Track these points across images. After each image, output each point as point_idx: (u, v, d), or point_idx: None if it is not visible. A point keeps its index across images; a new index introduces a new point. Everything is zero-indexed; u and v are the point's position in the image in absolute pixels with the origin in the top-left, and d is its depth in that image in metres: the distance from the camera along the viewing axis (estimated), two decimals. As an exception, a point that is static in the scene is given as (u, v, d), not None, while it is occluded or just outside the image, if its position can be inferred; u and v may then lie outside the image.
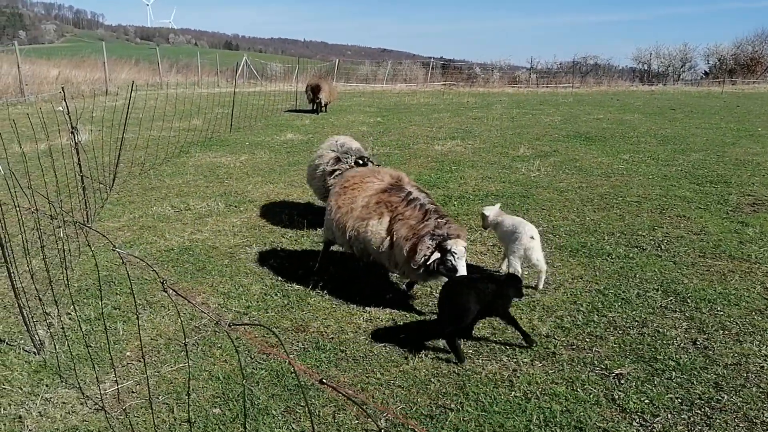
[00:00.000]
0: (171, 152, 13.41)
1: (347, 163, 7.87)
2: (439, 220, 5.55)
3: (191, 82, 36.89)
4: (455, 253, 5.35)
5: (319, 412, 4.23)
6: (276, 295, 6.14)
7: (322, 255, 6.81)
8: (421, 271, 5.49)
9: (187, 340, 5.20)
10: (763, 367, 4.63)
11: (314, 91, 21.24)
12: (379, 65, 51.94)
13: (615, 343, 5.04)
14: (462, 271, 5.38)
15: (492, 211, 6.57)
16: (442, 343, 5.11)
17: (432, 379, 4.60)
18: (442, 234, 5.42)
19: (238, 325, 2.36)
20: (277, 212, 8.91)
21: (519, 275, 5.63)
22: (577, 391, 4.39)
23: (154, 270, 3.23)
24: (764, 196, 9.17)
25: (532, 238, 6.03)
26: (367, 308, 5.78)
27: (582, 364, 4.76)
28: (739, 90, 34.80)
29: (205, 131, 16.14)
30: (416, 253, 5.39)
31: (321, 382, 1.88)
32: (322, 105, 21.67)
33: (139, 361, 4.86)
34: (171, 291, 3.01)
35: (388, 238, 5.68)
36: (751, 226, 7.80)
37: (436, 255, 5.38)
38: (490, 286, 4.98)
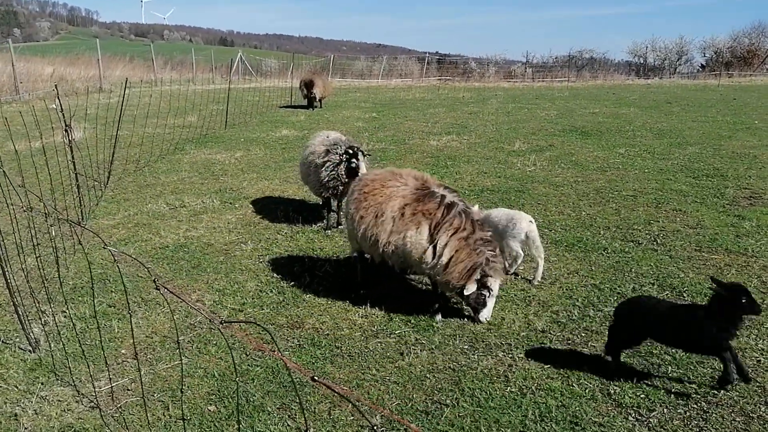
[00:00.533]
0: (166, 149, 13.36)
1: (337, 154, 7.71)
2: (490, 251, 5.32)
3: (186, 78, 36.76)
4: (491, 290, 5.27)
5: (314, 408, 4.22)
6: (271, 291, 6.12)
7: (361, 269, 6.31)
8: (456, 292, 5.40)
9: (181, 338, 5.19)
10: (759, 361, 4.63)
11: (308, 86, 21.22)
12: (374, 60, 51.80)
13: (611, 338, 5.03)
14: (490, 308, 5.35)
15: (475, 212, 6.45)
16: (437, 338, 5.11)
17: (428, 375, 4.59)
18: (490, 269, 5.25)
19: (231, 322, 2.34)
20: (273, 209, 8.89)
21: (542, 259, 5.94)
22: (573, 386, 4.38)
23: (146, 268, 3.22)
24: (761, 189, 9.17)
25: (531, 222, 6.14)
26: (363, 305, 5.76)
27: (578, 358, 4.75)
28: (736, 83, 34.80)
29: (200, 128, 16.08)
30: (467, 280, 5.22)
31: (313, 379, 1.86)
32: (317, 100, 21.62)
33: (134, 359, 4.84)
34: (164, 289, 2.99)
35: (431, 247, 5.34)
36: (747, 219, 7.79)
37: (474, 287, 5.24)
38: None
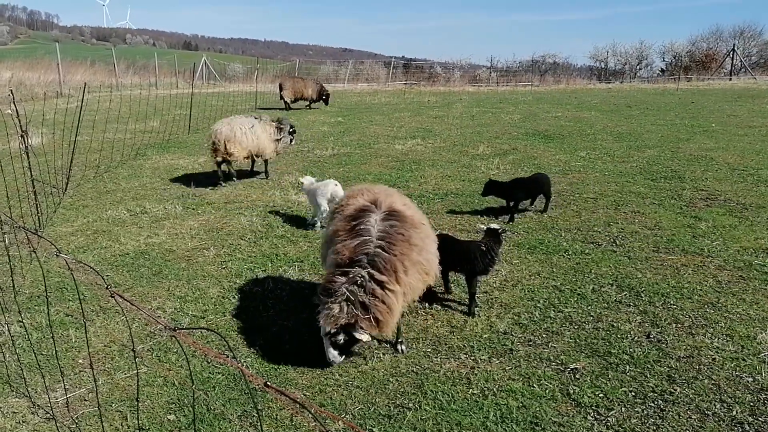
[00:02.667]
0: (127, 155, 13.16)
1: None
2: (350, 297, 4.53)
3: (148, 83, 36.28)
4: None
5: (276, 415, 4.18)
6: (234, 298, 6.06)
7: None
8: None
9: (141, 346, 5.10)
10: (715, 359, 4.73)
11: (280, 88, 23.08)
12: (340, 65, 51.79)
13: (571, 339, 5.10)
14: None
15: (307, 180, 8.37)
16: (401, 345, 5.11)
17: (390, 379, 4.59)
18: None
19: (184, 329, 2.31)
20: (236, 214, 8.81)
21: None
22: (534, 386, 4.43)
23: (101, 276, 3.15)
24: (717, 190, 9.39)
25: (336, 185, 7.95)
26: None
27: (539, 359, 4.81)
28: (694, 86, 35.60)
29: (163, 133, 15.88)
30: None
31: (266, 385, 1.85)
32: (288, 101, 22.96)
33: (91, 369, 4.74)
34: (118, 298, 2.94)
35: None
36: (704, 220, 7.97)
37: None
38: None
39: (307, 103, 23.74)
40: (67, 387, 4.50)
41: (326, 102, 23.65)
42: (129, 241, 7.71)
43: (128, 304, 2.63)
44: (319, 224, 8.00)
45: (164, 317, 5.65)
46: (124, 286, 6.39)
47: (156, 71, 41.23)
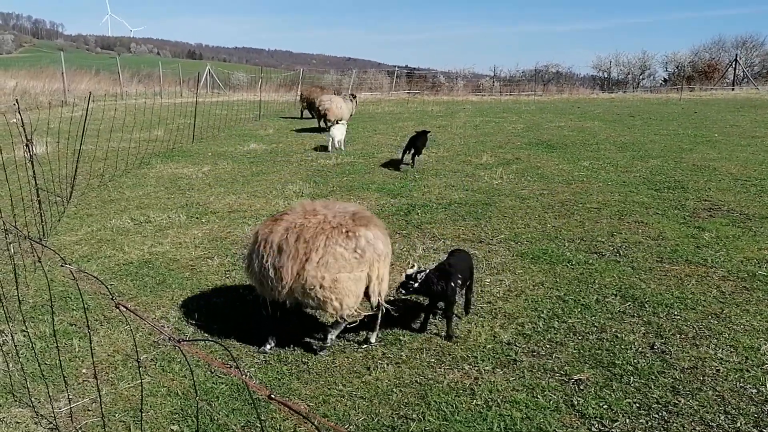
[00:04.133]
0: (131, 163, 13.20)
1: None
2: None
3: (153, 92, 36.42)
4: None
5: (279, 426, 4.18)
6: (238, 307, 6.06)
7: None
8: None
9: (144, 356, 5.11)
10: (719, 370, 4.72)
11: (300, 98, 23.58)
12: (344, 74, 51.97)
13: (575, 349, 5.10)
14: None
15: None
16: (404, 353, 5.12)
17: (394, 390, 4.59)
18: None
19: (191, 341, 2.32)
20: (240, 223, 8.83)
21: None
22: (538, 397, 4.42)
23: (105, 286, 3.17)
24: (720, 201, 9.39)
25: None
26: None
27: (543, 370, 4.80)
28: (697, 96, 35.63)
29: (167, 142, 15.93)
30: None
31: (270, 397, 1.85)
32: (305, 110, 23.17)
33: (95, 379, 4.75)
34: (122, 308, 2.95)
35: None
36: (707, 230, 7.97)
37: None
38: None
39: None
40: (70, 397, 4.51)
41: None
42: (133, 251, 7.73)
43: (132, 314, 2.64)
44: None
45: (168, 327, 5.66)
46: (127, 295, 6.40)
47: (160, 80, 41.41)
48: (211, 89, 43.28)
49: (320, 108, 18.31)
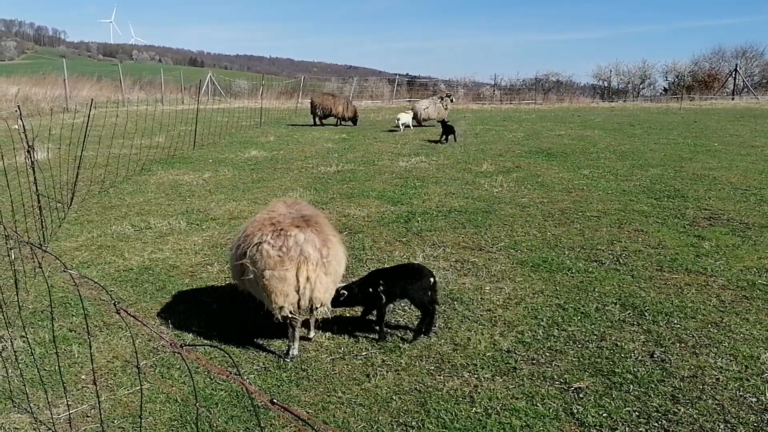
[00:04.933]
0: (132, 170, 13.23)
1: None
2: None
3: (154, 99, 36.50)
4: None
5: (278, 432, 4.17)
6: (237, 314, 6.06)
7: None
8: None
9: (144, 362, 5.11)
10: (719, 379, 4.71)
11: (311, 105, 24.43)
12: (345, 82, 52.14)
13: (574, 357, 5.09)
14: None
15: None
16: (404, 360, 5.12)
17: (393, 397, 4.58)
18: None
19: (192, 346, 2.32)
20: (240, 230, 8.83)
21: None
22: (537, 405, 4.41)
23: (106, 291, 3.17)
24: (720, 210, 9.40)
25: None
26: (330, 326, 5.74)
27: (542, 378, 4.79)
28: (697, 106, 35.69)
29: (168, 149, 15.97)
30: None
31: (272, 402, 1.86)
32: (343, 119, 24.37)
33: (94, 385, 4.75)
34: (124, 313, 2.95)
35: None
36: (707, 239, 7.97)
37: None
38: None
39: (336, 120, 24.35)
40: (69, 403, 4.51)
41: (354, 122, 24.16)
42: (133, 257, 7.74)
43: (133, 319, 2.64)
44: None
45: (167, 333, 5.65)
46: (127, 301, 6.40)
47: (162, 87, 41.54)
48: (212, 96, 43.39)
49: (417, 112, 22.77)
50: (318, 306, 5.09)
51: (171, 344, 2.39)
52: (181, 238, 8.53)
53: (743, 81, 45.62)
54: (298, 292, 4.98)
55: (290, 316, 5.03)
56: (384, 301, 5.48)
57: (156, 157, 14.99)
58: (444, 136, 18.08)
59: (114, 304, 2.78)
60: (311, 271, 4.95)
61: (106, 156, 13.65)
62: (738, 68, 45.99)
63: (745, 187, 10.91)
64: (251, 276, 5.00)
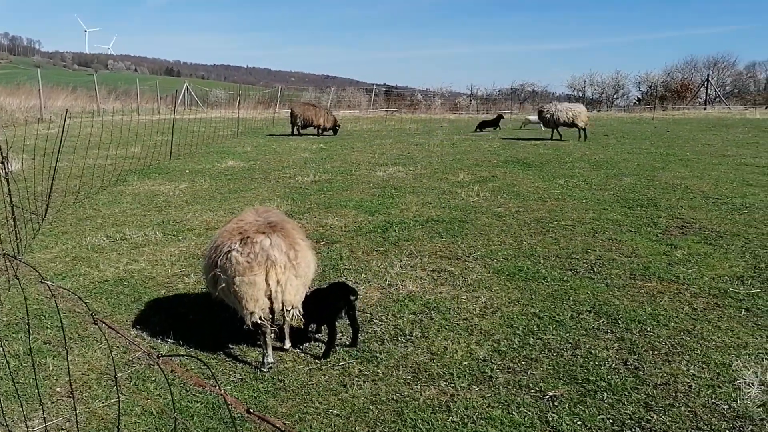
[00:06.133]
0: (107, 180, 13.12)
1: None
2: None
3: (130, 108, 36.22)
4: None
5: (255, 444, 4.16)
6: (214, 325, 6.04)
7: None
8: None
9: (119, 374, 5.06)
10: (691, 386, 4.79)
11: (291, 115, 24.43)
12: (322, 92, 52.23)
13: (549, 366, 5.15)
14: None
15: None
16: (381, 370, 5.13)
17: (370, 407, 4.60)
18: None
19: (168, 356, 2.33)
20: (217, 241, 8.79)
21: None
22: (513, 414, 4.45)
23: (84, 302, 3.16)
24: (692, 218, 9.57)
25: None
26: (306, 336, 5.74)
27: (518, 387, 4.84)
28: (669, 116, 36.28)
29: (144, 159, 15.86)
30: None
31: (248, 411, 1.87)
32: (323, 129, 24.39)
33: (69, 397, 4.70)
34: (101, 324, 2.95)
35: None
36: (679, 248, 8.11)
37: None
38: None
39: (318, 130, 24.39)
40: (44, 416, 4.45)
41: (335, 132, 24.23)
42: (108, 268, 7.67)
43: (109, 330, 2.64)
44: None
45: (143, 345, 5.61)
46: (102, 313, 6.34)
47: (138, 97, 41.24)
48: (189, 106, 43.17)
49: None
50: (289, 308, 5.19)
51: (148, 355, 2.38)
52: (157, 249, 8.48)
53: (715, 91, 46.51)
54: (269, 297, 5.08)
55: (261, 322, 5.10)
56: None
57: (132, 168, 14.88)
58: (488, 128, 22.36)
59: (91, 314, 2.77)
60: (280, 274, 5.08)
61: (81, 166, 13.50)
62: (710, 78, 46.91)
63: (716, 196, 11.12)
64: (223, 284, 5.11)
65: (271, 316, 5.17)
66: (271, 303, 5.13)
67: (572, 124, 21.28)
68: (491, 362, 5.24)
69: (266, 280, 5.04)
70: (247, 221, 5.40)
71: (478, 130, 25.50)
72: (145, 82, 51.06)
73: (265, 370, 5.15)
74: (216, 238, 5.48)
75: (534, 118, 24.48)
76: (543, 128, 23.18)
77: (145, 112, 35.09)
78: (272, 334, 5.29)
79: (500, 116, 27.98)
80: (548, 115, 21.44)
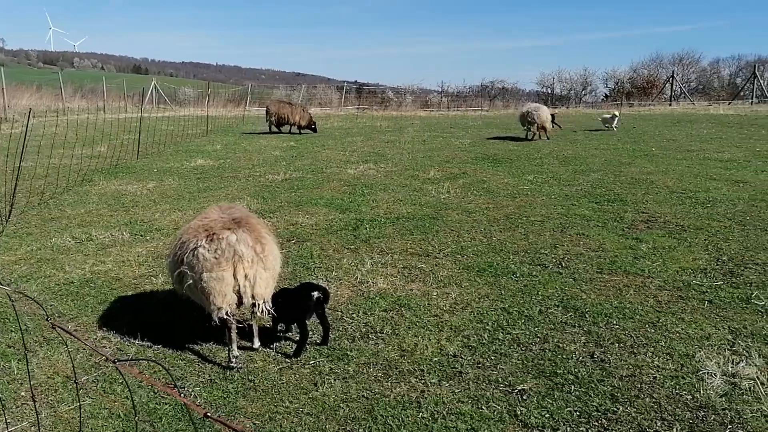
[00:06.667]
0: (73, 180, 12.90)
1: None
2: None
3: (96, 107, 35.64)
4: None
5: (225, 445, 4.14)
6: (182, 326, 5.97)
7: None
8: None
9: (85, 377, 4.99)
10: (656, 377, 4.88)
11: (266, 113, 24.33)
12: (293, 89, 51.96)
13: (518, 360, 5.20)
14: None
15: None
16: (351, 367, 5.14)
17: (341, 405, 4.60)
18: None
19: (125, 360, 2.30)
20: (186, 240, 8.70)
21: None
22: (482, 408, 4.49)
23: (42, 307, 3.10)
24: (657, 213, 9.73)
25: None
26: (276, 335, 5.72)
27: (487, 381, 4.88)
28: (636, 111, 36.82)
29: (111, 158, 15.63)
30: None
31: (205, 416, 1.86)
32: (300, 128, 24.10)
33: (33, 401, 4.62)
34: (59, 329, 2.90)
35: None
36: (644, 242, 8.24)
37: None
38: None
39: (292, 128, 24.23)
40: (8, 421, 4.37)
41: (314, 130, 24.05)
42: (74, 270, 7.54)
43: (70, 335, 2.60)
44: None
45: (110, 347, 5.54)
46: (68, 315, 6.24)
47: (104, 95, 40.61)
48: (157, 104, 42.62)
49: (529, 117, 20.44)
50: (261, 301, 5.22)
51: (108, 359, 2.35)
52: (124, 249, 8.36)
53: (680, 87, 47.31)
54: (238, 292, 5.12)
55: (227, 317, 5.14)
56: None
57: (98, 167, 14.65)
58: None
59: (48, 318, 2.73)
60: (248, 269, 5.11)
61: (46, 166, 13.27)
62: (675, 75, 47.68)
63: (681, 191, 11.32)
64: (190, 281, 5.12)
65: (236, 312, 5.22)
66: (240, 298, 5.16)
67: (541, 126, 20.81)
68: (461, 358, 5.28)
69: (234, 275, 5.08)
70: (212, 218, 5.42)
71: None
72: (112, 80, 50.33)
73: (233, 365, 5.14)
74: (181, 235, 5.47)
75: (608, 116, 23.84)
76: (614, 127, 23.31)
77: (112, 111, 34.56)
78: (236, 330, 5.29)
79: (553, 116, 22.46)
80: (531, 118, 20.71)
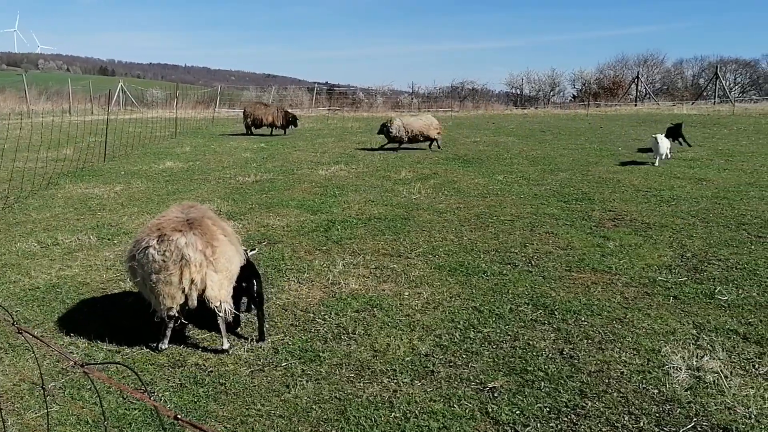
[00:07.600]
0: (38, 184, 12.66)
1: None
2: None
3: (61, 109, 35.02)
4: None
5: (196, 449, 4.10)
6: (151, 331, 5.90)
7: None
8: None
9: (53, 384, 4.91)
10: (623, 372, 4.96)
11: (243, 115, 24.08)
12: (264, 91, 51.66)
13: (489, 358, 5.25)
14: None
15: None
16: (324, 369, 5.13)
17: (313, 406, 4.59)
18: None
19: (93, 364, 2.28)
20: (155, 244, 8.60)
21: None
22: (454, 407, 4.52)
23: (7, 311, 3.05)
24: (624, 211, 9.89)
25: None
26: (248, 338, 5.69)
27: (459, 380, 4.92)
28: (603, 112, 37.38)
29: (77, 161, 15.37)
30: None
31: (176, 418, 1.85)
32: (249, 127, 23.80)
33: (0, 409, 4.53)
34: (26, 334, 2.85)
35: None
36: (611, 240, 8.38)
37: None
38: None
39: (271, 128, 24.13)
40: (-29, 431, 4.28)
41: (295, 125, 24.14)
42: (40, 275, 7.41)
43: (37, 340, 2.56)
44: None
45: (77, 353, 5.46)
46: (34, 321, 6.13)
47: (70, 97, 39.93)
48: (124, 106, 42.06)
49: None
50: (217, 304, 5.30)
51: (76, 364, 2.33)
52: (91, 253, 8.24)
53: (645, 88, 48.15)
54: (184, 293, 5.22)
55: (175, 315, 5.30)
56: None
57: (64, 170, 14.41)
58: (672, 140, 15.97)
59: (14, 323, 2.68)
60: (195, 273, 5.18)
61: (10, 170, 12.98)
62: (640, 75, 48.52)
63: (646, 189, 11.54)
64: (139, 279, 5.27)
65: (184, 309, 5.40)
66: (186, 299, 5.26)
67: (426, 138, 18.44)
68: (433, 357, 5.31)
69: (181, 279, 5.16)
70: (168, 217, 5.49)
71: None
72: (78, 82, 49.47)
73: (158, 349, 5.42)
74: (139, 231, 5.66)
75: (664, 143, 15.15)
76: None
77: (78, 113, 34.01)
78: (173, 328, 5.49)
79: (678, 125, 17.90)
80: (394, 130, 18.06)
